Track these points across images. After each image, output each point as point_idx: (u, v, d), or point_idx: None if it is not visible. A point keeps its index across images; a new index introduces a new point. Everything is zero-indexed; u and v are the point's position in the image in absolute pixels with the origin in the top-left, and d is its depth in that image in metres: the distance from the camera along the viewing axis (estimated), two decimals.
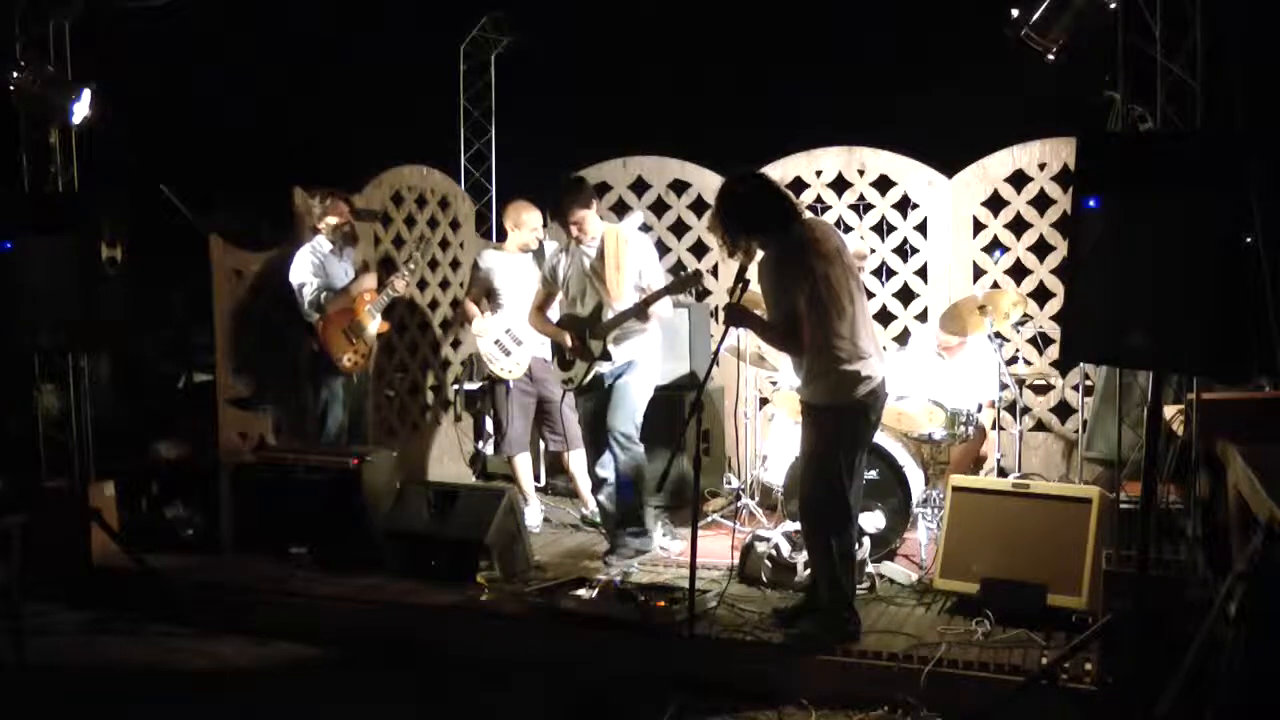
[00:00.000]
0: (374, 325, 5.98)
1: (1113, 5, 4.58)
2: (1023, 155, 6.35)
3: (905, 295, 6.68)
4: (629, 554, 5.31)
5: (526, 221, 6.04)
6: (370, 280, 6.01)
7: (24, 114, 5.86)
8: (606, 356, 5.26)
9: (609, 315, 5.22)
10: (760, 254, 4.24)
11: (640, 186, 7.29)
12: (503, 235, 6.32)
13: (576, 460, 6.14)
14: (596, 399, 5.35)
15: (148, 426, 6.69)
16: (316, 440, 5.91)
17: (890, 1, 7.35)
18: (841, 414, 4.16)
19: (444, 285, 7.38)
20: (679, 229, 7.27)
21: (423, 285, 7.17)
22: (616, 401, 5.25)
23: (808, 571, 4.77)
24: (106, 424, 6.31)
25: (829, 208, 6.70)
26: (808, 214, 4.43)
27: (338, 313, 5.85)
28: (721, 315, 4.42)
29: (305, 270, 5.81)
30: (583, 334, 5.31)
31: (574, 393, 5.46)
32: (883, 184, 6.67)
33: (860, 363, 4.13)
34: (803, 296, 4.04)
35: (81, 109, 5.77)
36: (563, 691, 4.24)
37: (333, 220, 5.90)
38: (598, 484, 5.48)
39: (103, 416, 6.31)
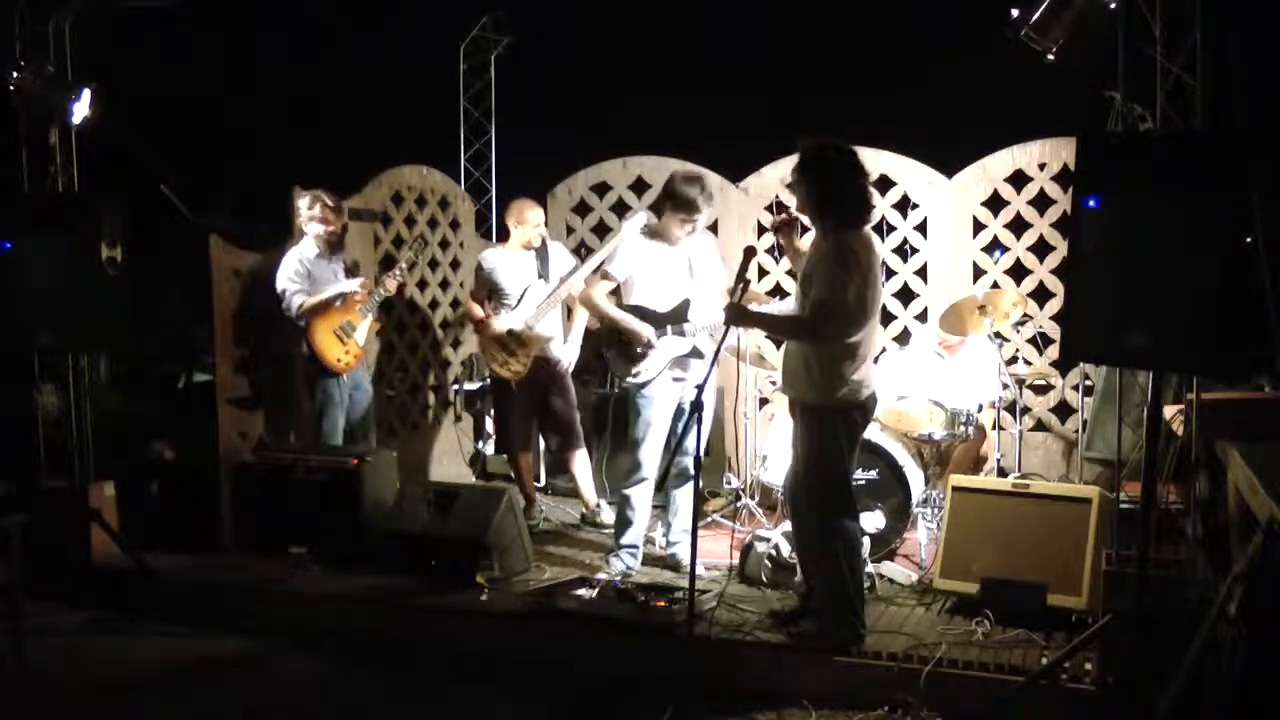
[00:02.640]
0: (365, 324, 5.94)
1: (1113, 5, 4.58)
2: (1023, 155, 6.34)
3: (905, 295, 6.68)
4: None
5: (530, 219, 6.02)
6: (359, 280, 5.98)
7: (24, 114, 5.87)
8: (700, 355, 5.10)
9: (703, 317, 5.07)
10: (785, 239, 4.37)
11: (640, 186, 7.28)
12: (503, 235, 6.32)
13: (578, 460, 6.14)
14: (681, 396, 5.14)
15: (148, 426, 6.70)
16: (312, 443, 5.90)
17: (890, 1, 7.34)
18: (843, 413, 4.16)
19: (444, 285, 7.37)
20: None
21: (423, 285, 7.17)
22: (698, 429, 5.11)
23: None
24: (106, 424, 6.32)
25: None
26: None
27: (328, 314, 5.81)
28: (722, 315, 4.40)
29: (287, 275, 5.75)
30: (662, 329, 5.10)
31: (637, 386, 5.12)
32: (883, 184, 6.65)
33: (865, 364, 4.16)
34: (854, 289, 4.04)
35: (81, 109, 5.77)
36: (563, 691, 4.24)
37: (319, 229, 5.83)
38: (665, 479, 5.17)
39: (103, 417, 6.32)
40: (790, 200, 4.68)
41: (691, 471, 4.98)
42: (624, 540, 5.23)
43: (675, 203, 4.99)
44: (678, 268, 5.13)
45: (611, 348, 5.19)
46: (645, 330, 5.07)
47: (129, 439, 6.36)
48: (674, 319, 5.10)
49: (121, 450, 6.14)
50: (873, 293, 4.13)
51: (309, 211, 5.83)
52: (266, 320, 6.00)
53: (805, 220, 4.35)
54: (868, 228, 4.27)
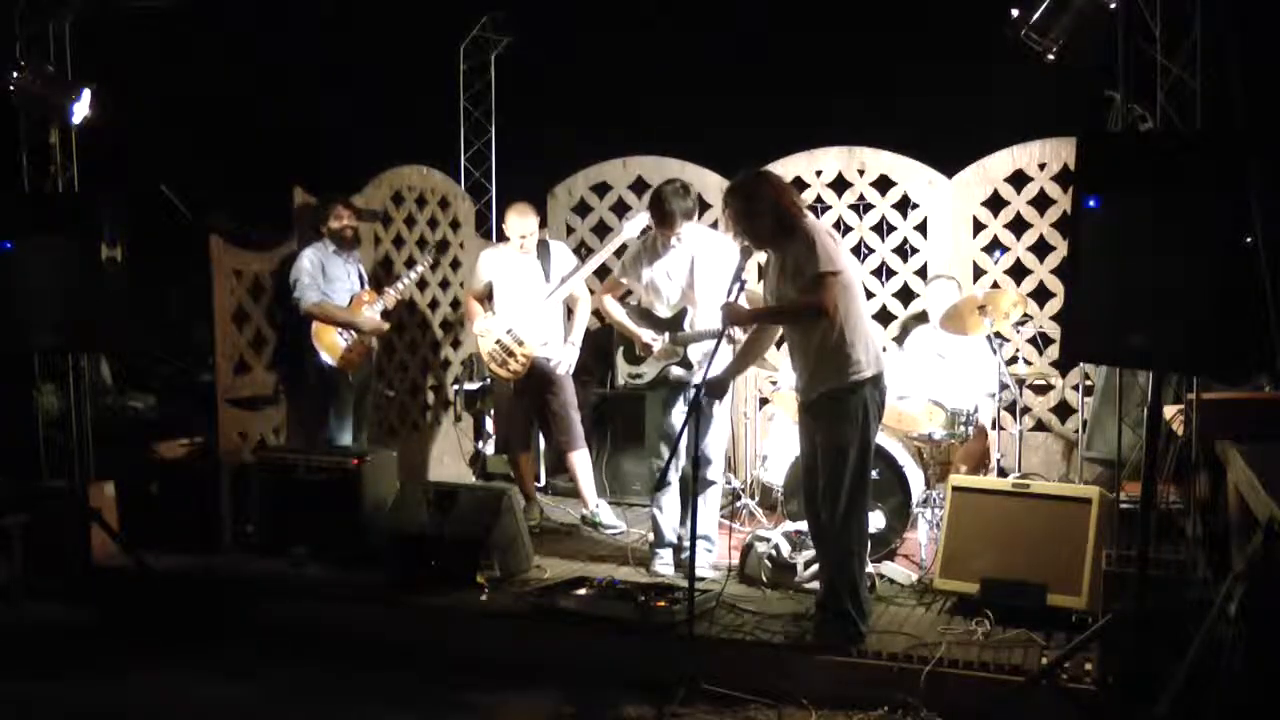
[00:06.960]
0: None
1: (1112, 5, 4.58)
2: (1023, 155, 6.35)
3: (905, 295, 6.68)
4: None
5: (511, 228, 6.00)
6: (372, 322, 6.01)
7: (24, 114, 5.87)
8: (688, 365, 5.14)
9: (694, 325, 5.14)
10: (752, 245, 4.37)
11: (640, 186, 7.29)
12: (503, 235, 6.32)
13: (578, 459, 6.13)
14: (669, 398, 5.20)
15: (148, 426, 6.70)
16: (318, 441, 5.91)
17: (890, 2, 7.34)
18: (851, 396, 4.14)
19: (444, 285, 7.38)
20: None
21: (423, 285, 7.17)
22: (717, 428, 5.12)
23: (809, 571, 4.77)
24: (106, 424, 6.32)
25: (829, 208, 6.70)
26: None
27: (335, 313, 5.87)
28: (720, 315, 4.39)
29: (302, 267, 5.82)
30: (662, 334, 5.23)
31: (644, 386, 5.32)
32: (883, 184, 6.67)
33: (863, 346, 4.16)
34: (840, 259, 4.15)
35: (81, 109, 5.78)
36: (563, 691, 4.23)
37: (334, 224, 5.92)
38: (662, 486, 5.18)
39: (103, 417, 6.32)
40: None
41: (709, 476, 5.06)
42: (665, 540, 5.23)
43: (650, 212, 5.17)
44: (676, 274, 5.20)
45: (620, 347, 5.41)
46: (644, 334, 5.25)
47: (129, 439, 6.36)
48: (672, 327, 5.22)
49: (121, 450, 6.14)
50: (846, 261, 4.26)
51: (335, 221, 5.92)
52: (292, 320, 6.05)
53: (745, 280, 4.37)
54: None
